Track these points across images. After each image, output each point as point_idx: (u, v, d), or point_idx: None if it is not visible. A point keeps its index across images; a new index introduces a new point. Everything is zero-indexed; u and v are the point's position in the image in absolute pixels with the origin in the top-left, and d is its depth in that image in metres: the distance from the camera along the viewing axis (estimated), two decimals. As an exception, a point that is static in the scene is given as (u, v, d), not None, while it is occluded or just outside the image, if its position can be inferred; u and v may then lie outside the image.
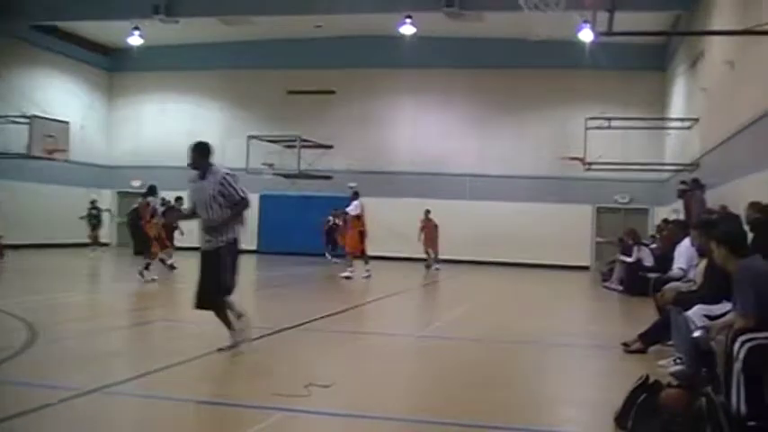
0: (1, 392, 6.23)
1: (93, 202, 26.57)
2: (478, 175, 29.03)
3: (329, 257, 26.31)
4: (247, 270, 17.71)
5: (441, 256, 24.96)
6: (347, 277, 18.79)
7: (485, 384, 7.24)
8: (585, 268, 27.37)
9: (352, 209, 19.60)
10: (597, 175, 24.69)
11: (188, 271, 16.59)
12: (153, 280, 15.73)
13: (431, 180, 29.09)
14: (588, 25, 18.18)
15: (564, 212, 27.90)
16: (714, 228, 6.83)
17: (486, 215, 28.39)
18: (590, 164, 22.48)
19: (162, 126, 31.98)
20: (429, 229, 24.99)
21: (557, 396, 7.18)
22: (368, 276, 19.08)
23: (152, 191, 17.94)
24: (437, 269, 24.00)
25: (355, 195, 19.95)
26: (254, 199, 29.13)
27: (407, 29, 25.36)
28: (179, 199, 18.77)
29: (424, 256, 25.30)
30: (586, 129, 22.23)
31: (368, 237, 19.91)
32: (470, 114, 29.45)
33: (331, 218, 26.74)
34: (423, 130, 29.66)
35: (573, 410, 6.55)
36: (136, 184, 31.76)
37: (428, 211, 25.11)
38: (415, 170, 29.35)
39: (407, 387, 7.30)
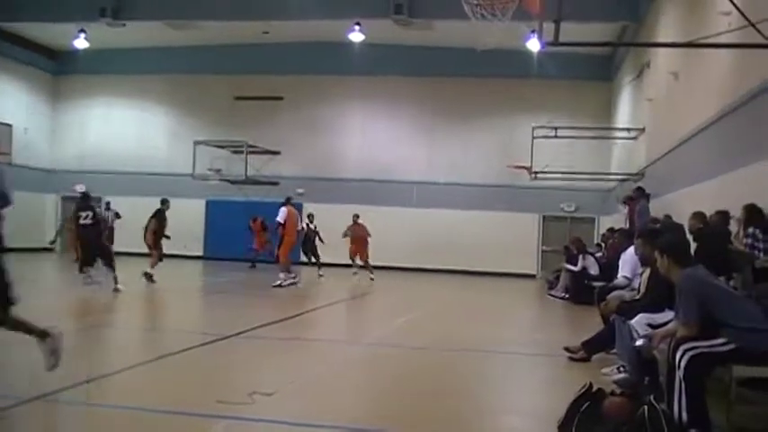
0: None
1: None
2: (426, 183, 29.09)
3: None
4: (192, 276, 17.56)
5: (387, 264, 24.72)
6: (292, 284, 18.53)
7: (430, 393, 7.20)
8: (532, 276, 27.57)
9: (279, 216, 18.91)
10: (544, 184, 24.91)
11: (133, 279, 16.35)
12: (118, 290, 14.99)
13: (378, 187, 29.07)
14: (535, 35, 18.32)
15: (511, 221, 28.08)
16: (658, 237, 6.89)
17: (433, 223, 28.45)
18: (536, 173, 22.65)
19: (108, 130, 31.57)
20: (358, 236, 22.56)
21: (501, 405, 7.17)
22: (278, 285, 18.19)
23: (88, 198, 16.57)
24: (372, 278, 22.00)
25: (286, 201, 19.44)
26: (200, 205, 29.20)
27: (356, 36, 25.37)
28: (165, 201, 18.64)
29: (357, 262, 22.90)
30: (533, 138, 22.41)
31: (289, 245, 19.21)
32: (419, 122, 29.54)
33: (305, 225, 23.08)
34: (371, 137, 29.67)
35: (517, 419, 6.53)
36: (80, 188, 31.25)
37: (356, 216, 22.80)
38: (362, 177, 29.31)
39: (353, 395, 7.22)
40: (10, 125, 26.45)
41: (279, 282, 18.32)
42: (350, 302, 16.67)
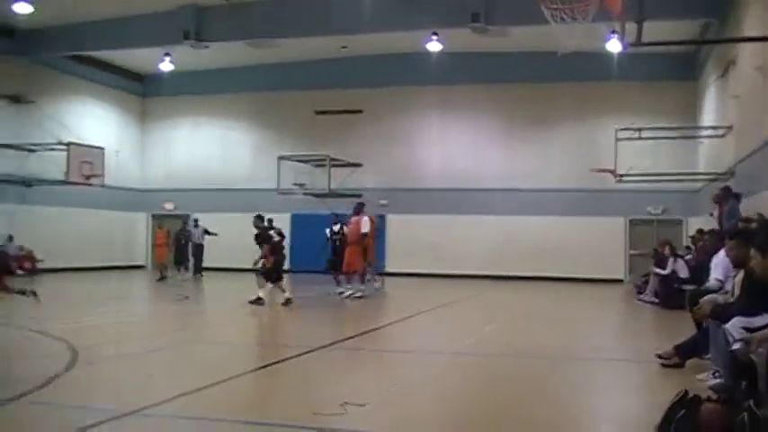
0: (42, 416, 6.23)
1: None
2: (507, 190, 28.88)
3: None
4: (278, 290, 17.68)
5: (471, 272, 24.34)
6: (354, 296, 17.97)
7: (521, 401, 7.17)
8: (619, 281, 27.12)
9: (364, 227, 18.11)
10: (629, 187, 24.49)
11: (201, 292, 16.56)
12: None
13: (460, 195, 29.04)
14: (616, 36, 18.07)
15: (596, 225, 27.70)
16: (754, 236, 6.69)
17: (517, 230, 28.26)
18: (621, 175, 22.28)
19: (193, 149, 32.38)
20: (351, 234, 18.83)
21: (594, 412, 7.08)
22: (360, 297, 17.92)
23: None
24: (360, 292, 18.58)
25: (361, 209, 18.43)
26: (285, 219, 29.74)
27: (434, 46, 25.41)
28: (265, 219, 17.67)
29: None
30: (617, 140, 22.06)
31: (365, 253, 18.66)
32: (497, 129, 29.41)
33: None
34: (450, 146, 29.64)
35: (611, 427, 6.46)
36: (169, 206, 32.14)
37: (362, 204, 19.13)
38: (443, 186, 29.32)
39: (444, 404, 7.21)
40: (102, 148, 27.33)
41: (359, 293, 18.19)
42: (433, 312, 16.60)
